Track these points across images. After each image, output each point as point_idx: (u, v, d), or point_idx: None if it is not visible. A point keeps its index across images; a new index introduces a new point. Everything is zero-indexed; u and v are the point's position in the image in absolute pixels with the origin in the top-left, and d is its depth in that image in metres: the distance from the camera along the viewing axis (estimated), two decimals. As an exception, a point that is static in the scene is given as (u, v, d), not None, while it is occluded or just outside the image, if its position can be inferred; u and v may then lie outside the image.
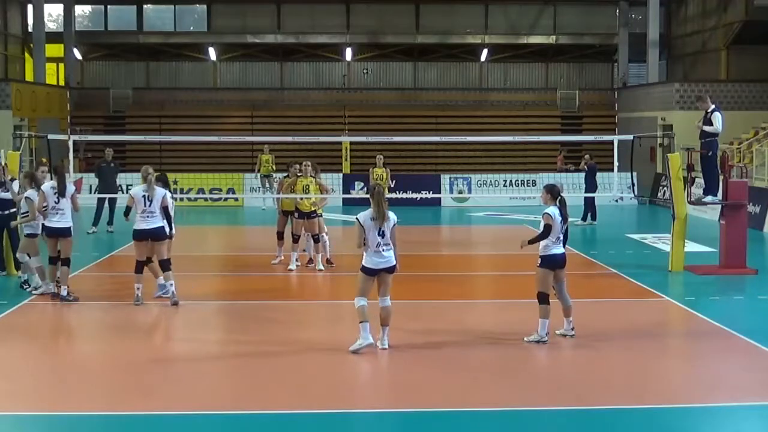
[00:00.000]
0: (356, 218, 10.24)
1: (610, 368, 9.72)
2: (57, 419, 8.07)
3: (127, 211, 13.10)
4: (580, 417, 8.17)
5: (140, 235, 12.67)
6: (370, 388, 9.09)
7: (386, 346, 10.15)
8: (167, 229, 12.84)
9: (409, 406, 8.39)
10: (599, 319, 11.94)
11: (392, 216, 10.31)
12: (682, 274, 15.58)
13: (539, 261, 10.58)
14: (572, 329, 10.76)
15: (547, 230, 10.47)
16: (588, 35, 40.94)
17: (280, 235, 16.34)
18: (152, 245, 12.73)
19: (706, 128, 15.69)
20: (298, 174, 16.06)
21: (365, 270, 10.19)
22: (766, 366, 9.93)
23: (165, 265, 12.71)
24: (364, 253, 10.18)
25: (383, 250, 10.15)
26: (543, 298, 10.49)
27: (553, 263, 10.57)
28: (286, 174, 16.94)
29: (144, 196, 12.57)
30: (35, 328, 11.87)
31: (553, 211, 10.55)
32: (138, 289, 12.64)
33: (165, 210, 12.74)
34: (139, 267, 12.69)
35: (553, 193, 10.70)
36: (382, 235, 10.14)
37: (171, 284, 12.67)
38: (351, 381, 9.31)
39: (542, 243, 10.55)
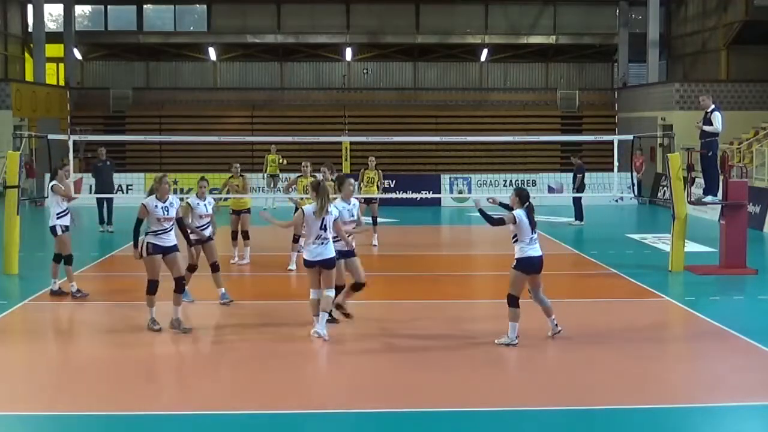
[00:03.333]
0: (301, 209, 10.82)
1: (610, 368, 9.71)
2: (57, 419, 8.07)
3: (138, 224, 11.09)
4: (580, 417, 8.17)
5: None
6: (370, 388, 9.07)
7: (320, 334, 10.57)
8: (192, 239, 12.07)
9: (409, 406, 8.38)
10: (599, 319, 11.93)
11: (332, 210, 10.77)
12: (682, 274, 15.58)
13: (514, 263, 10.40)
14: (557, 325, 10.64)
15: (499, 222, 10.45)
16: (588, 35, 40.95)
17: (234, 235, 16.57)
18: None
19: (706, 128, 15.70)
20: (298, 174, 16.16)
21: (305, 263, 10.78)
22: (766, 366, 9.92)
23: (178, 284, 11.14)
24: (305, 248, 10.75)
25: (323, 243, 10.61)
26: (513, 301, 10.32)
27: (529, 266, 10.35)
28: (231, 175, 16.95)
29: (160, 206, 11.07)
30: (35, 328, 11.88)
31: (519, 213, 10.40)
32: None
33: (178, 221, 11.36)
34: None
35: (521, 197, 10.54)
36: (324, 228, 10.59)
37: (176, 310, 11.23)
38: (351, 381, 9.28)
39: (517, 246, 10.38)
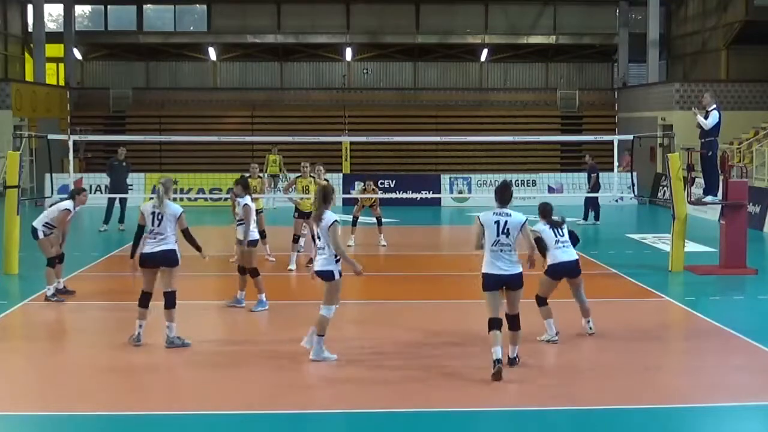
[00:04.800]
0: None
1: (610, 368, 9.71)
2: (57, 419, 8.07)
3: (139, 231, 10.40)
4: (580, 417, 8.17)
5: (146, 261, 10.39)
6: (370, 388, 9.07)
7: (308, 346, 9.82)
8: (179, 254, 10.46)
9: (409, 407, 8.39)
10: (599, 319, 11.90)
11: (327, 217, 9.65)
12: (682, 274, 15.58)
13: (546, 268, 10.62)
14: (591, 327, 10.91)
15: (542, 248, 10.39)
16: (588, 35, 40.97)
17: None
18: (162, 272, 10.44)
19: (700, 120, 15.69)
20: (298, 174, 16.25)
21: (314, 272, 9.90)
22: (766, 366, 9.92)
23: (169, 299, 10.32)
24: None
25: (318, 252, 9.80)
26: (540, 301, 10.55)
27: (559, 271, 10.59)
28: (248, 174, 17.15)
29: (153, 213, 10.33)
30: (35, 328, 11.87)
31: (540, 227, 10.59)
32: (140, 327, 10.42)
33: (185, 232, 10.49)
34: (144, 300, 10.47)
35: (545, 213, 10.72)
36: (318, 237, 9.78)
37: (169, 327, 10.37)
38: (350, 381, 9.27)
39: (548, 252, 10.55)
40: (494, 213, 9.28)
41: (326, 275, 9.65)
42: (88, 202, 13.74)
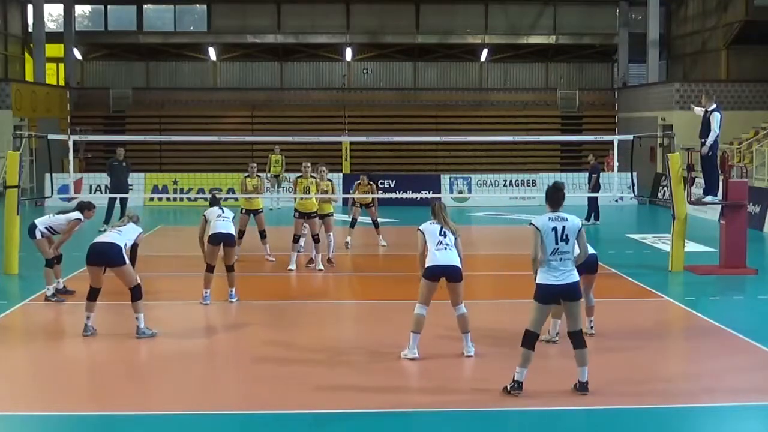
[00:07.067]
0: (418, 228, 9.94)
1: (610, 368, 9.70)
2: (57, 419, 8.07)
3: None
4: (580, 417, 8.17)
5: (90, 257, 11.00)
6: (369, 389, 9.07)
7: (471, 354, 9.90)
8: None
9: (409, 406, 8.39)
10: (599, 319, 11.90)
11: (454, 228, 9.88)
12: (682, 274, 15.58)
13: None
14: (592, 327, 10.91)
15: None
16: (588, 35, 41.01)
17: (241, 234, 16.52)
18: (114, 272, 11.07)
19: (713, 125, 15.55)
20: (298, 174, 16.30)
21: (426, 271, 9.70)
22: (766, 366, 9.92)
23: (135, 294, 10.96)
24: (427, 259, 9.74)
25: (446, 248, 9.68)
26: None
27: (581, 266, 10.45)
28: (246, 174, 17.50)
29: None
30: (35, 328, 11.87)
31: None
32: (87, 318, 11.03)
33: (134, 246, 11.42)
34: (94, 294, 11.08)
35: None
36: (444, 234, 9.73)
37: (138, 318, 10.93)
38: (349, 381, 9.28)
39: None
40: (549, 218, 8.37)
41: (460, 273, 9.74)
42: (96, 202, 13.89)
